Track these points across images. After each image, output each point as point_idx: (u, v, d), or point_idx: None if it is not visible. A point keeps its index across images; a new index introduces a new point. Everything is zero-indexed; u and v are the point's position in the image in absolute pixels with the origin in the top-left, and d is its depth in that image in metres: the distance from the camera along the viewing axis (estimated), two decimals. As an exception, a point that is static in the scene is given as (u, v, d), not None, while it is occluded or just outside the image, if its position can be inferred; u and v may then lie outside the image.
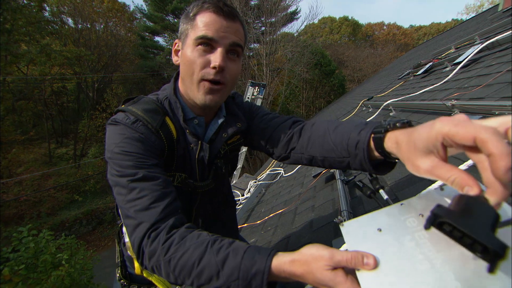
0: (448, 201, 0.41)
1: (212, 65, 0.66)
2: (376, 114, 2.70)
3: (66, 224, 13.23)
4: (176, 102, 0.74)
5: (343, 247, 0.57)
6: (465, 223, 0.30)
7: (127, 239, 0.74)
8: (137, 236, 0.56)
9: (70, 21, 18.67)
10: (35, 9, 15.42)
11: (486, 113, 1.11)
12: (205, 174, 0.79)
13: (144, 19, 22.47)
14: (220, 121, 0.79)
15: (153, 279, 0.77)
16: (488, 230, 0.29)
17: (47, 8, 17.21)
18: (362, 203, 1.18)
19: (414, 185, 1.03)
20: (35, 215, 13.23)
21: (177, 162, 0.74)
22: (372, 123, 0.56)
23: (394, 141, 0.47)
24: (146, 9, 21.76)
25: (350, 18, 38.60)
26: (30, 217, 12.96)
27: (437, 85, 2.18)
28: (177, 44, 0.74)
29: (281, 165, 3.99)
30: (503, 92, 1.25)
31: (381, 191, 0.55)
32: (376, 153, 0.53)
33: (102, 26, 19.78)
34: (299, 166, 2.97)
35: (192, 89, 0.70)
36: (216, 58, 0.65)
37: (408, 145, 0.42)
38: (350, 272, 0.42)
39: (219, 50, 0.66)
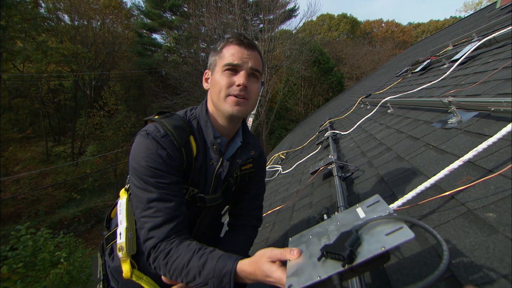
0: (363, 214, 0.58)
1: (236, 83, 0.80)
2: (374, 111, 2.71)
3: (65, 222, 13.20)
4: (207, 122, 0.86)
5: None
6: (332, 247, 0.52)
7: (119, 241, 0.82)
8: (148, 246, 0.74)
9: (66, 18, 18.49)
10: (30, 6, 15.25)
11: (482, 110, 1.12)
12: (218, 189, 0.90)
13: (142, 16, 22.29)
14: (239, 142, 0.92)
15: (142, 282, 0.82)
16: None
17: (43, 5, 17.03)
18: (359, 199, 1.19)
19: (409, 182, 1.04)
20: (33, 214, 13.17)
21: (193, 176, 0.84)
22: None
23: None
24: (143, 6, 21.59)
25: (348, 15, 38.52)
26: (28, 216, 12.91)
27: (434, 82, 2.19)
28: (207, 73, 0.90)
29: (279, 162, 3.99)
30: (499, 88, 1.26)
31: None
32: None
33: (99, 23, 19.59)
34: (297, 163, 2.97)
35: (220, 104, 0.82)
36: (240, 78, 0.81)
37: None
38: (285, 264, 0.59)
39: (242, 73, 0.81)
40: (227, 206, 1.09)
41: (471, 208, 0.71)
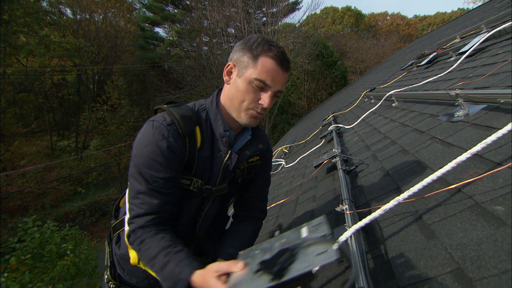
0: (305, 234, 0.62)
1: (261, 102, 0.82)
2: (378, 105, 2.68)
3: (70, 215, 13.42)
4: (217, 114, 0.87)
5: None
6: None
7: (127, 229, 0.84)
8: (129, 229, 0.81)
9: (68, 11, 18.42)
10: (32, -1, 15.20)
11: (491, 102, 1.09)
12: (225, 180, 0.91)
13: (144, 9, 22.12)
14: (248, 136, 0.94)
15: (148, 268, 0.85)
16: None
17: (45, -2, 16.95)
18: (364, 192, 1.18)
19: (414, 174, 1.03)
20: (39, 207, 13.40)
21: (197, 167, 0.85)
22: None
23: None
24: (145, -1, 21.40)
25: (353, 8, 37.84)
26: (35, 209, 13.13)
27: (440, 75, 2.15)
28: (230, 67, 0.85)
29: (282, 156, 3.99)
30: (509, 81, 1.23)
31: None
32: None
33: (101, 17, 19.50)
34: (300, 157, 2.97)
35: (238, 113, 0.85)
36: (266, 99, 0.82)
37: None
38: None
39: (269, 94, 0.82)
40: (233, 198, 1.10)
41: (478, 201, 0.70)
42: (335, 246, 0.52)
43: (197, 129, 0.84)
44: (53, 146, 17.72)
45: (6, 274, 3.56)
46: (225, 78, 0.87)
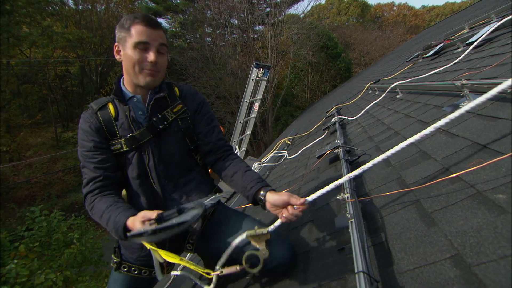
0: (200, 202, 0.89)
1: (149, 60, 0.97)
2: (382, 96, 2.65)
3: (76, 205, 13.65)
4: (118, 90, 1.07)
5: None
6: None
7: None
8: (83, 196, 1.04)
9: (70, 1, 18.26)
10: (34, -11, 15.04)
11: (499, 92, 1.08)
12: (140, 128, 1.05)
13: (146, 0, 21.81)
14: (152, 91, 1.08)
15: (148, 245, 0.97)
16: None
17: (47, -12, 16.76)
18: (365, 182, 1.19)
19: (417, 165, 1.03)
20: (46, 197, 13.65)
21: (119, 131, 1.03)
22: (260, 183, 1.01)
23: (266, 199, 0.96)
24: (147, -11, 21.06)
25: (359, -2, 36.86)
26: (41, 199, 13.39)
27: (447, 66, 2.11)
28: (117, 46, 1.03)
29: (285, 148, 3.99)
30: (516, 71, 1.21)
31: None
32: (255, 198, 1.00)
33: (103, 7, 19.30)
34: (303, 148, 2.97)
35: (135, 77, 1.01)
36: (151, 56, 0.97)
37: (270, 203, 0.95)
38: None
39: (152, 51, 0.98)
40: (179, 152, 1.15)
41: (480, 189, 0.70)
42: (196, 212, 0.78)
43: (109, 104, 1.05)
44: (58, 138, 17.90)
45: (16, 261, 3.67)
46: (117, 57, 1.04)
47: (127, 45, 0.97)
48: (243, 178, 1.04)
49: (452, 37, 3.23)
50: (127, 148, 1.02)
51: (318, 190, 0.91)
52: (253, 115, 4.95)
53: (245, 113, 4.71)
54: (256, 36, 16.68)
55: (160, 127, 1.05)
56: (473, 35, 2.33)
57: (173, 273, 1.26)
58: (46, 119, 18.77)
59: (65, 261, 4.76)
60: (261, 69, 4.64)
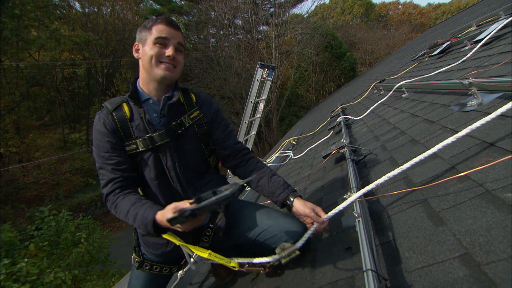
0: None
1: (167, 54, 1.01)
2: (387, 96, 2.64)
3: (83, 206, 13.85)
4: (134, 91, 1.08)
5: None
6: None
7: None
8: (103, 199, 1.06)
9: (77, 5, 18.54)
10: (42, -7, 15.31)
11: (507, 90, 1.07)
12: (156, 130, 1.06)
13: (151, 1, 22.00)
14: (165, 96, 1.09)
15: (166, 235, 1.03)
16: None
17: (54, -8, 17.06)
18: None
19: (424, 164, 1.03)
20: (54, 197, 13.87)
21: (134, 132, 1.04)
22: (287, 189, 1.08)
23: (293, 204, 1.05)
24: (152, -9, 21.26)
25: (363, -3, 36.58)
26: (50, 199, 13.61)
27: (453, 65, 2.08)
28: (137, 45, 1.06)
29: (290, 148, 3.99)
30: (525, 68, 1.19)
31: None
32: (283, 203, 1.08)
33: (108, 10, 19.56)
34: (308, 148, 2.96)
35: (152, 70, 1.02)
36: (169, 51, 1.02)
37: (297, 210, 1.03)
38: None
39: (171, 47, 1.02)
40: (197, 155, 1.18)
41: (489, 188, 0.70)
42: (233, 188, 0.79)
43: (124, 105, 1.06)
44: (65, 139, 18.18)
45: (26, 260, 3.74)
46: (135, 55, 1.07)
47: (147, 42, 1.01)
48: (270, 184, 1.10)
49: (459, 35, 3.19)
50: (143, 148, 1.03)
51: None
52: (258, 115, 4.96)
53: (250, 113, 4.72)
54: (260, 36, 16.70)
55: (179, 132, 1.08)
56: (480, 32, 2.30)
57: (180, 272, 1.28)
58: (54, 120, 19.09)
59: (73, 260, 4.83)
60: (266, 69, 4.64)
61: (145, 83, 1.08)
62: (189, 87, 1.23)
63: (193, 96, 1.17)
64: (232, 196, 0.78)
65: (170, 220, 0.80)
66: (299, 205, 1.02)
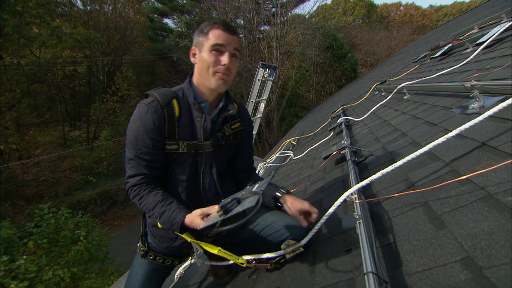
0: (254, 188, 0.90)
1: (222, 63, 1.01)
2: (388, 97, 2.63)
3: (82, 203, 13.85)
4: (189, 89, 1.08)
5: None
6: None
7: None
8: (127, 186, 1.07)
9: (78, 2, 18.54)
10: (44, -10, 15.30)
11: (509, 93, 1.06)
12: (207, 139, 1.08)
13: (153, 0, 22.03)
14: (221, 104, 1.13)
15: (184, 235, 1.02)
16: None
17: (56, -11, 17.04)
18: (372, 183, 1.18)
19: (425, 166, 1.03)
20: (53, 195, 13.87)
21: (179, 133, 1.03)
22: (276, 189, 1.14)
23: (283, 201, 1.11)
24: (154, -11, 21.28)
25: (365, -2, 36.56)
26: (49, 196, 13.60)
27: (455, 67, 2.08)
28: (194, 50, 1.07)
29: (290, 148, 3.99)
30: (528, 72, 1.19)
31: None
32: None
33: (110, 8, 19.54)
34: (309, 149, 2.96)
35: (208, 79, 1.03)
36: (225, 59, 1.01)
37: (287, 206, 1.08)
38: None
39: (226, 54, 1.01)
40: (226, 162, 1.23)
41: (491, 192, 0.69)
42: (257, 198, 0.80)
43: (174, 101, 1.04)
44: (65, 136, 18.17)
45: (25, 257, 3.74)
46: (192, 60, 1.08)
47: (204, 48, 1.02)
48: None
49: (461, 37, 3.19)
50: (185, 151, 1.04)
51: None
52: (259, 115, 4.96)
53: (251, 113, 4.71)
54: (261, 36, 16.69)
55: (223, 142, 1.11)
56: (483, 35, 2.29)
57: (179, 270, 1.28)
58: (54, 118, 19.07)
59: (72, 258, 4.83)
60: (267, 69, 4.64)
61: (199, 85, 1.08)
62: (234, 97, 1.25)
63: (235, 106, 1.17)
64: (257, 207, 0.79)
65: (203, 230, 0.85)
66: (291, 199, 1.08)
